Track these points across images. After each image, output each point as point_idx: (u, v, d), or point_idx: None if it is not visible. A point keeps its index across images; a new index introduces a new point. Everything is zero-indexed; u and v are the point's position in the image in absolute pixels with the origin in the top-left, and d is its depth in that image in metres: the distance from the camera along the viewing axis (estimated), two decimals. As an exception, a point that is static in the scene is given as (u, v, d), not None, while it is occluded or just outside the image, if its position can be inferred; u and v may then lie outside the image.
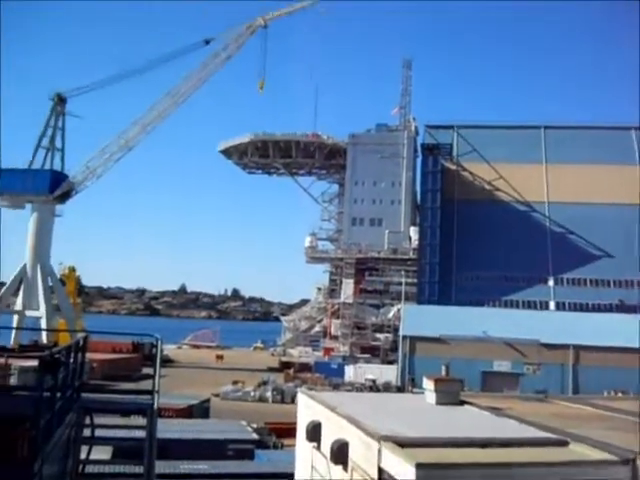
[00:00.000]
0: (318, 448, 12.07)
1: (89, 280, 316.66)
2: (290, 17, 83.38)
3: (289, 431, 25.78)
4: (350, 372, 66.31)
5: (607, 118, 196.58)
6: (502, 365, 58.36)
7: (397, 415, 12.19)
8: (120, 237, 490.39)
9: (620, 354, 53.79)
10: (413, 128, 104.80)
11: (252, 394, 56.91)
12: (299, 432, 14.02)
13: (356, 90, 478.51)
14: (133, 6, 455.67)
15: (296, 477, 14.17)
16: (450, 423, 11.85)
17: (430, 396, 13.89)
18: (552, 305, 78.65)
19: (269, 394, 56.62)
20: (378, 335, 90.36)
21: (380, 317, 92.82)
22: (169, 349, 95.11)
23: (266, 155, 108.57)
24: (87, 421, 11.47)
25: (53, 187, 75.95)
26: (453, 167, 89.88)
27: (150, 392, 12.14)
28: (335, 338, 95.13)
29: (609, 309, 75.72)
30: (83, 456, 11.49)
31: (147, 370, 59.85)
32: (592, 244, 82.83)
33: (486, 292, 77.34)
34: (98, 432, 11.66)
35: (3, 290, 75.84)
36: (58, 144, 79.07)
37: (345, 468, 10.43)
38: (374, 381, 60.06)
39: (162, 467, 17.11)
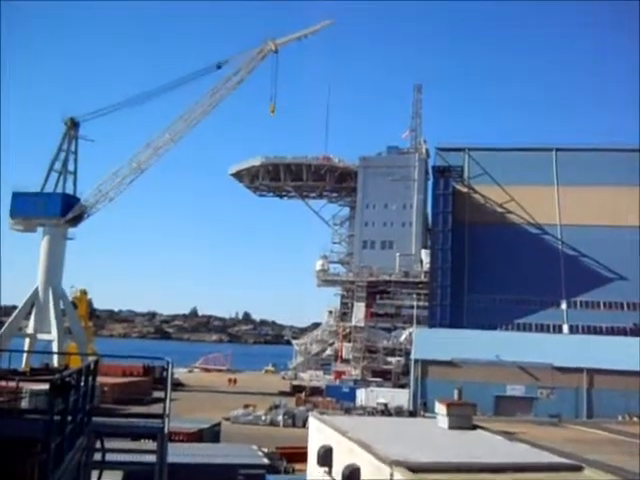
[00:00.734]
0: (329, 473, 11.99)
1: (100, 303, 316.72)
2: (300, 41, 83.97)
3: (300, 456, 25.62)
4: (362, 396, 65.86)
5: (626, 138, 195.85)
6: (515, 389, 57.79)
7: (409, 440, 12.11)
8: (131, 260, 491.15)
9: (635, 378, 53.10)
10: (424, 150, 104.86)
11: (263, 418, 56.60)
12: (310, 457, 13.93)
13: (367, 112, 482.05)
14: (141, 29, 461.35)
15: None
16: (462, 448, 11.74)
17: (442, 420, 13.78)
18: (565, 328, 77.99)
19: (280, 418, 56.29)
20: (390, 359, 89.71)
21: (392, 340, 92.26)
22: (180, 373, 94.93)
23: (277, 178, 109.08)
24: (98, 445, 11.46)
25: (65, 210, 76.49)
26: (464, 189, 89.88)
27: (161, 416, 12.14)
28: (346, 361, 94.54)
29: (623, 332, 74.93)
30: (94, 480, 11.47)
31: (158, 394, 59.66)
32: (605, 266, 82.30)
33: (498, 315, 76.86)
34: (109, 456, 11.64)
35: (15, 313, 76.14)
36: (71, 167, 79.83)
37: (356, 493, 10.33)
38: (386, 405, 59.61)
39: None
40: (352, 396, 66.83)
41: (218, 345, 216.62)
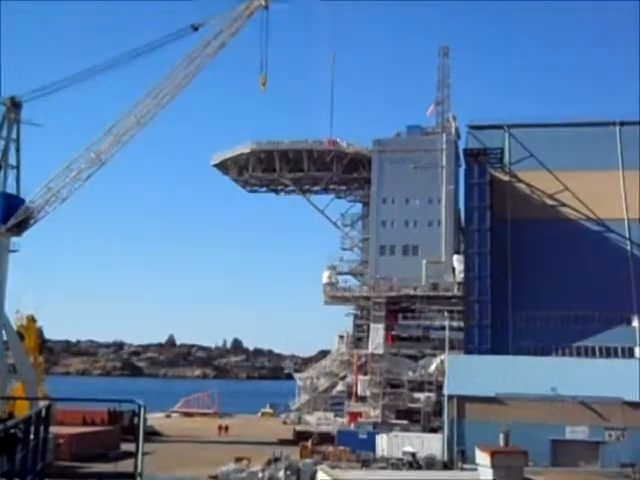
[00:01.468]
0: None
1: (53, 332, 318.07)
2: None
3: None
4: (383, 443, 65.73)
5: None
6: (577, 431, 57.61)
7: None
8: (92, 278, 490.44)
9: None
10: (454, 129, 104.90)
11: (260, 475, 56.50)
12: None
13: (381, 86, 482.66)
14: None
15: None
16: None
17: (485, 473, 13.84)
18: (638, 352, 77.86)
19: (281, 474, 56.19)
20: (417, 395, 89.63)
21: (419, 372, 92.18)
22: (155, 418, 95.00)
23: (271, 168, 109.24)
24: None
25: (6, 215, 76.21)
26: (505, 177, 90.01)
27: (132, 476, 12.14)
28: (363, 399, 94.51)
29: None
30: None
31: (128, 446, 59.79)
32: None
33: (552, 337, 76.85)
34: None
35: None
36: (12, 160, 79.57)
37: None
38: (414, 455, 59.46)
39: None
40: (371, 444, 66.64)
41: (202, 382, 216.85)
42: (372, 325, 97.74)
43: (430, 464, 56.53)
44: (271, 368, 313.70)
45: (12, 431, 9.17)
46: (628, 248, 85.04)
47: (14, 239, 78.24)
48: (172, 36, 77.79)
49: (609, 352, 77.23)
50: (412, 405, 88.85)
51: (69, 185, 77.46)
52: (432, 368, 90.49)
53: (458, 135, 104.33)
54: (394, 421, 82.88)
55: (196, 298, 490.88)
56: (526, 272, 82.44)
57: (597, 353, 76.59)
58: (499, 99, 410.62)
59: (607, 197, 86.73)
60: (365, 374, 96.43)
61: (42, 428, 11.58)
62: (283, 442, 77.58)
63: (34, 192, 78.28)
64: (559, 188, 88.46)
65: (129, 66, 76.53)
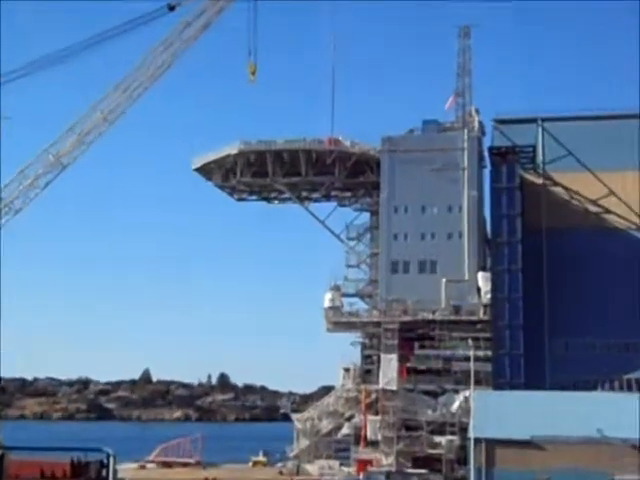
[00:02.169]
0: None
1: (6, 370, 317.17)
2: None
3: None
4: (398, 497, 65.73)
5: None
6: (628, 479, 57.49)
7: None
8: (51, 304, 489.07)
9: None
10: (477, 124, 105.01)
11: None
12: None
13: (391, 79, 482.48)
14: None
15: None
16: None
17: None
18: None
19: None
20: (438, 438, 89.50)
21: (439, 411, 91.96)
22: (127, 469, 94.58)
23: (263, 173, 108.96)
24: None
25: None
26: (538, 180, 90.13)
27: None
28: (373, 444, 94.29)
29: None
30: None
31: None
32: None
33: (597, 368, 76.76)
34: None
35: None
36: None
37: None
38: (435, 510, 59.47)
39: None
40: (384, 497, 66.67)
41: (183, 425, 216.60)
42: (383, 356, 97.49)
43: (454, 521, 56.46)
44: (264, 408, 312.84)
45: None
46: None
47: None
48: (145, 18, 78.01)
49: (664, 386, 77.23)
50: (432, 451, 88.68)
51: (23, 194, 77.50)
52: (455, 406, 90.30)
53: (482, 131, 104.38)
54: (411, 470, 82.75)
55: (175, 327, 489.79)
56: (565, 292, 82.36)
57: (651, 387, 76.59)
58: (528, 91, 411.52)
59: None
60: (376, 414, 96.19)
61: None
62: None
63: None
64: (603, 192, 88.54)
65: (97, 53, 76.56)
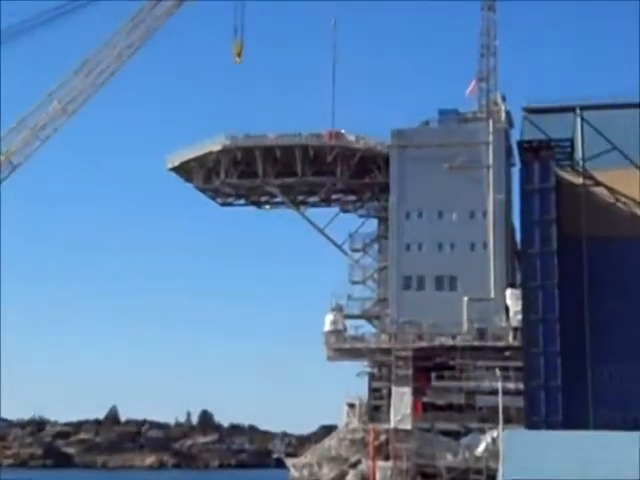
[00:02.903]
0: None
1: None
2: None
3: None
4: None
5: None
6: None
7: None
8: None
9: None
10: (503, 114, 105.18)
11: None
12: None
13: (401, 62, 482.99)
14: None
15: None
16: None
17: None
18: None
19: None
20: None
21: (462, 454, 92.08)
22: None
23: (252, 173, 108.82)
24: None
25: None
26: (577, 179, 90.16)
27: None
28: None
29: None
30: None
31: None
32: None
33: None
34: None
35: None
36: None
37: None
38: None
39: None
40: None
41: (158, 473, 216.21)
42: (395, 389, 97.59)
43: None
44: (254, 452, 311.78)
45: None
46: None
47: None
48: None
49: None
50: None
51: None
52: (481, 449, 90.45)
53: (510, 122, 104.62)
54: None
55: (147, 357, 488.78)
56: (609, 312, 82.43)
57: None
58: (564, 74, 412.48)
59: None
60: (386, 459, 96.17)
61: None
62: None
63: None
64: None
65: (54, 32, 77.00)
